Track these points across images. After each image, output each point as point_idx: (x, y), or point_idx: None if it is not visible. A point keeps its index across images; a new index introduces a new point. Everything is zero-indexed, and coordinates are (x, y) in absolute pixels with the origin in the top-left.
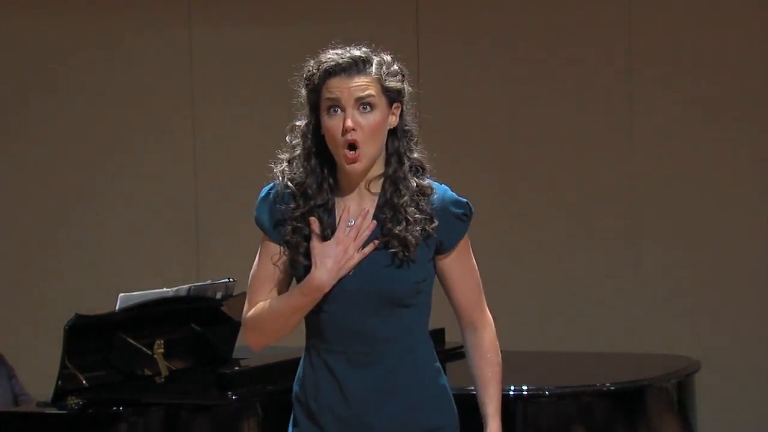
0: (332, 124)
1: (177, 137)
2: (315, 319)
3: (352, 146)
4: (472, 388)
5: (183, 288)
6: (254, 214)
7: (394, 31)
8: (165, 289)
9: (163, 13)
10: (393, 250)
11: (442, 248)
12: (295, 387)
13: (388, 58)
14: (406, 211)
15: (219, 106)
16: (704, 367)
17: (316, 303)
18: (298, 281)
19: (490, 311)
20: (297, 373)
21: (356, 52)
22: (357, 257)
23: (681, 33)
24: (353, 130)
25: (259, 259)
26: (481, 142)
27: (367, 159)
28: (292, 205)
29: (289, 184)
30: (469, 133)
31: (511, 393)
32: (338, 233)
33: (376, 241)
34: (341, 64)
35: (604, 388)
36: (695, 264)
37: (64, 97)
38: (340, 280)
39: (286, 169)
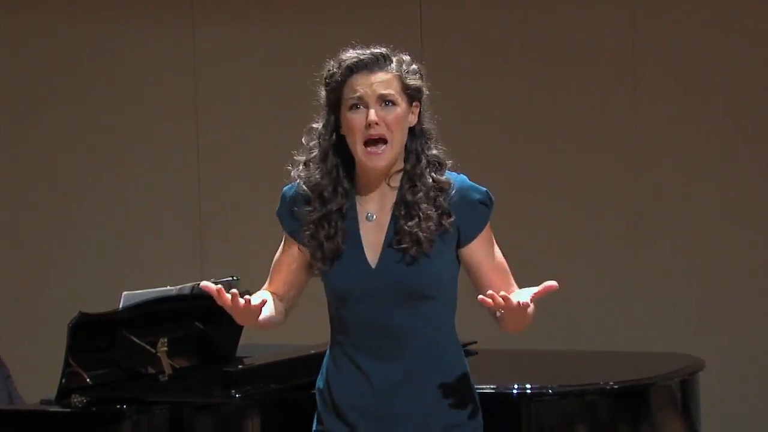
0: (355, 117)
1: (180, 136)
2: (339, 315)
3: (376, 141)
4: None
5: (186, 286)
6: (276, 209)
7: (398, 31)
8: (168, 288)
9: (167, 12)
10: (404, 245)
11: (464, 239)
12: (319, 383)
13: (407, 57)
14: (419, 207)
15: (222, 106)
16: (706, 367)
17: (342, 299)
18: (323, 281)
19: None
20: (320, 370)
21: (377, 50)
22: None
23: (685, 31)
24: (377, 124)
25: (280, 247)
26: (482, 141)
27: (393, 154)
28: (308, 209)
29: (304, 187)
30: (471, 132)
31: (515, 392)
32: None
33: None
34: (363, 60)
35: (608, 387)
36: (698, 263)
37: (66, 97)
38: (364, 276)
39: (302, 172)
